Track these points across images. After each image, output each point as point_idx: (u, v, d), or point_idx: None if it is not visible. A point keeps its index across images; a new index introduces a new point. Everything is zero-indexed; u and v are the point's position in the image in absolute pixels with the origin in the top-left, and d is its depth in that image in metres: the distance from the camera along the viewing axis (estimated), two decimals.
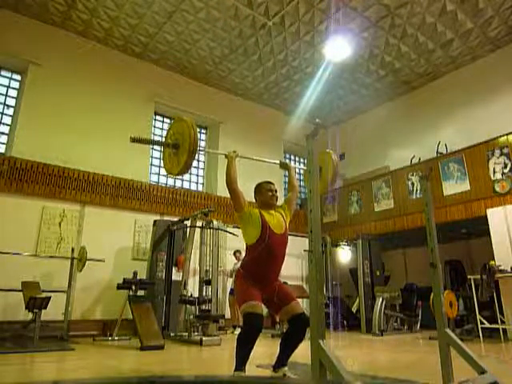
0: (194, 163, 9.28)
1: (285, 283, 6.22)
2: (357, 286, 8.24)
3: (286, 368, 2.92)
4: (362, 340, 6.57)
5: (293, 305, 2.89)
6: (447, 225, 7.37)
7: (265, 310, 2.95)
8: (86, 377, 3.34)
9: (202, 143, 9.61)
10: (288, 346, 2.91)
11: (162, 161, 3.00)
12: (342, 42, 7.46)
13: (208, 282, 6.26)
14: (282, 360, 2.93)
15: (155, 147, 8.65)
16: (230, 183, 2.99)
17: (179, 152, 2.62)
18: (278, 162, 3.36)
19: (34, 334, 4.81)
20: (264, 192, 3.13)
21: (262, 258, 2.88)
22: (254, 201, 3.19)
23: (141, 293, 6.01)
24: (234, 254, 7.59)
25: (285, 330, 6.26)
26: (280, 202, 3.26)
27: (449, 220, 7.38)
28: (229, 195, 3.04)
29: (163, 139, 2.90)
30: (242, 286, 2.92)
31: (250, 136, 9.66)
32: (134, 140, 2.72)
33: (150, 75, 8.49)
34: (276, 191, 3.17)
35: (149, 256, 6.92)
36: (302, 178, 9.27)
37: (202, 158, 9.48)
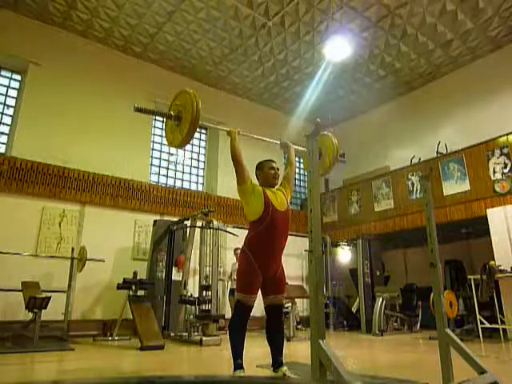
0: (194, 163, 9.29)
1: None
2: (357, 286, 8.24)
3: (285, 368, 2.92)
4: (362, 340, 6.57)
5: (277, 297, 3.00)
6: (447, 225, 7.37)
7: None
8: (86, 377, 3.34)
9: (202, 143, 9.62)
10: (270, 339, 3.01)
11: (164, 132, 3.00)
12: (342, 42, 7.43)
13: (207, 288, 6.25)
14: (275, 356, 2.96)
15: (155, 148, 8.67)
16: (236, 156, 3.00)
17: (181, 123, 2.64)
18: (278, 141, 3.32)
19: (34, 334, 4.81)
20: (266, 171, 3.15)
21: (266, 234, 2.89)
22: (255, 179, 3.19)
23: (141, 293, 6.01)
24: (234, 251, 7.58)
25: (286, 332, 6.28)
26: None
27: (449, 220, 7.39)
28: (234, 169, 3.02)
29: (168, 110, 2.84)
30: (244, 272, 2.94)
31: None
32: (137, 109, 2.78)
33: (150, 75, 8.49)
34: (278, 169, 3.20)
35: (149, 256, 6.92)
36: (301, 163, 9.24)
37: (202, 158, 9.48)
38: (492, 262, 6.25)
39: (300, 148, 3.39)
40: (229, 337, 2.95)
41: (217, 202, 8.52)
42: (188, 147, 9.32)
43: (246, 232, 3.04)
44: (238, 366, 2.83)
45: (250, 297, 2.88)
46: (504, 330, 6.07)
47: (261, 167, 3.19)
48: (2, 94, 7.11)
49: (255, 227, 2.92)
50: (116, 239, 7.10)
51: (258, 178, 3.18)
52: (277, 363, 2.94)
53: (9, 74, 7.28)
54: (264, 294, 3.02)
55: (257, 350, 4.54)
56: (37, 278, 5.88)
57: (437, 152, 8.27)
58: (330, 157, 3.28)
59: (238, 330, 2.92)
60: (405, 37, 7.65)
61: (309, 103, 9.89)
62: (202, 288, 6.30)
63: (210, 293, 6.24)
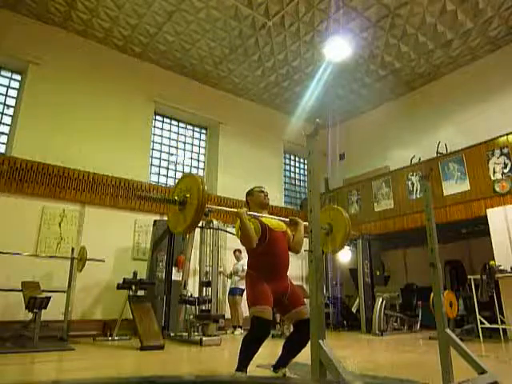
0: (194, 163, 9.29)
1: None
2: (357, 286, 8.24)
3: (286, 369, 2.92)
4: (362, 340, 6.57)
5: (301, 309, 2.89)
6: (447, 225, 7.37)
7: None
8: (86, 377, 3.33)
9: (202, 143, 9.62)
10: (291, 349, 2.91)
11: (167, 217, 2.80)
12: (342, 42, 7.46)
13: (207, 284, 6.25)
14: (283, 361, 2.94)
15: (155, 148, 8.67)
16: (250, 244, 2.87)
17: (186, 209, 2.46)
18: (287, 219, 3.16)
19: (34, 334, 4.81)
20: (256, 194, 3.20)
21: (267, 252, 2.90)
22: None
23: (141, 293, 6.00)
24: (234, 252, 7.58)
25: (287, 332, 6.27)
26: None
27: (449, 220, 7.39)
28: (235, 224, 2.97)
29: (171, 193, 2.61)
30: (253, 287, 2.89)
31: (250, 136, 9.67)
32: (139, 197, 2.67)
33: (150, 75, 8.49)
34: (267, 194, 3.22)
35: (149, 256, 6.92)
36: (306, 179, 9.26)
37: (202, 158, 9.48)
38: (492, 262, 6.26)
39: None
40: (241, 346, 2.78)
41: (217, 202, 8.51)
42: (188, 147, 9.32)
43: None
44: (241, 368, 2.77)
45: (263, 308, 2.73)
46: (504, 330, 6.08)
47: (251, 193, 3.24)
48: (2, 94, 7.11)
49: (256, 249, 2.91)
50: (116, 239, 7.10)
51: (248, 205, 3.22)
52: (280, 364, 2.93)
53: (9, 74, 7.27)
54: (285, 313, 2.96)
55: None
56: (37, 278, 5.88)
57: (437, 152, 8.27)
58: (342, 234, 3.03)
59: (249, 346, 2.75)
60: (405, 37, 7.65)
61: (309, 103, 9.89)
62: (203, 285, 6.30)
63: (210, 289, 6.24)
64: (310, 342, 1.99)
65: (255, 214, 3.01)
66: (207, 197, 2.38)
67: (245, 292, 3.04)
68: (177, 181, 2.68)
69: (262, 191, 3.21)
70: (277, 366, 2.94)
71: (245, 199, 3.29)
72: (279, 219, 3.10)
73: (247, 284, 2.98)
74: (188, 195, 2.45)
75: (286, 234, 3.08)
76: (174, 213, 2.56)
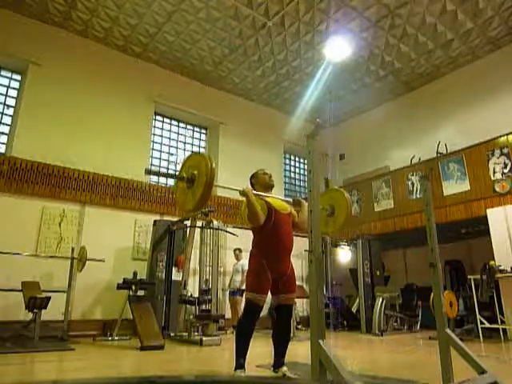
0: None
1: None
2: (357, 286, 8.24)
3: (285, 368, 2.93)
4: (362, 340, 6.57)
5: (291, 296, 3.04)
6: (447, 225, 7.36)
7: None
8: (86, 377, 3.34)
9: (202, 143, 9.62)
10: (277, 339, 3.02)
11: (175, 194, 2.85)
12: (342, 42, 7.46)
13: (206, 292, 6.24)
14: (278, 358, 2.98)
15: (155, 148, 8.67)
16: (257, 221, 2.95)
17: (194, 186, 2.49)
18: (291, 200, 3.25)
19: (34, 334, 4.82)
20: (260, 176, 3.25)
21: (271, 233, 2.96)
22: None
23: (141, 293, 6.01)
24: (234, 251, 7.58)
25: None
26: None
27: (449, 220, 7.38)
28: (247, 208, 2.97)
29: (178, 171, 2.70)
30: (256, 272, 2.96)
31: (250, 136, 9.67)
32: (148, 172, 2.77)
33: (150, 75, 8.49)
34: (271, 175, 3.26)
35: (149, 256, 6.92)
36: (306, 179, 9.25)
37: None
38: (492, 262, 6.25)
39: None
40: (235, 335, 2.98)
41: (217, 202, 8.51)
42: (188, 147, 9.32)
43: (251, 235, 3.11)
44: (240, 365, 2.84)
45: (261, 296, 2.90)
46: (504, 330, 6.07)
47: (255, 175, 3.28)
48: (2, 94, 7.11)
49: (260, 231, 2.99)
50: (116, 239, 7.10)
51: (253, 187, 3.23)
52: (279, 364, 2.95)
53: (9, 74, 7.27)
54: (274, 293, 3.04)
55: (257, 349, 4.53)
56: (37, 278, 5.89)
57: (437, 152, 8.27)
58: (343, 215, 3.20)
59: (246, 330, 2.94)
60: (405, 37, 7.65)
61: (309, 103, 9.89)
62: (202, 292, 6.31)
63: (210, 291, 6.24)
64: (310, 342, 1.99)
65: (261, 193, 3.04)
66: (215, 173, 2.42)
67: (246, 270, 3.13)
68: (183, 160, 2.70)
69: (266, 173, 3.25)
70: (275, 365, 2.96)
71: (249, 182, 3.28)
72: (283, 200, 3.16)
73: (250, 265, 3.05)
74: (196, 172, 2.48)
75: (291, 214, 3.14)
76: (182, 191, 2.60)
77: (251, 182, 3.28)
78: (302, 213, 3.18)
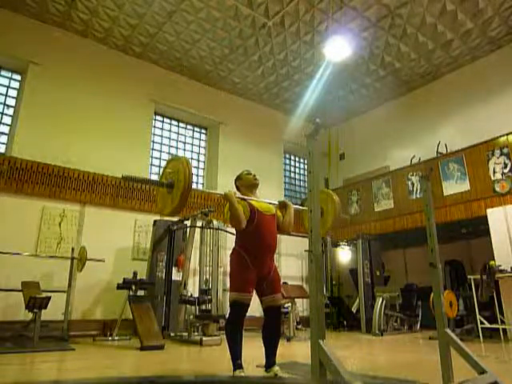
0: (195, 163, 9.28)
1: (285, 283, 6.25)
2: (357, 286, 8.24)
3: (276, 368, 2.91)
4: (362, 340, 6.57)
5: (274, 297, 3.02)
6: (447, 225, 7.37)
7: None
8: (86, 377, 3.33)
9: (202, 143, 9.62)
10: (266, 339, 3.01)
11: (156, 198, 2.91)
12: (342, 42, 7.44)
13: (206, 292, 6.24)
14: (269, 358, 2.96)
15: (155, 148, 8.67)
16: (239, 225, 2.94)
17: (173, 192, 2.52)
18: (276, 202, 3.23)
19: (34, 334, 4.81)
20: (245, 177, 3.26)
21: (254, 232, 2.96)
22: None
23: (141, 293, 6.01)
24: None
25: (287, 332, 6.26)
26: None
27: (449, 220, 7.39)
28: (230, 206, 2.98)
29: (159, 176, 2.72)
30: (239, 271, 2.97)
31: (250, 136, 9.67)
32: (125, 179, 2.57)
33: (150, 75, 8.49)
34: (255, 175, 3.26)
35: (149, 256, 6.92)
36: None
37: (202, 158, 9.48)
38: (492, 262, 6.25)
39: (300, 208, 3.37)
40: (226, 338, 2.99)
41: (217, 201, 8.51)
42: (188, 147, 9.32)
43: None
44: (238, 366, 2.84)
45: (246, 295, 2.90)
46: (504, 330, 6.07)
47: (240, 177, 3.29)
48: (2, 94, 7.11)
49: (244, 230, 2.98)
50: (116, 239, 7.10)
51: (238, 189, 3.25)
52: (270, 364, 2.94)
53: (9, 74, 7.27)
54: (262, 296, 3.05)
55: (256, 350, 4.52)
56: (37, 278, 5.88)
57: (437, 152, 8.27)
58: (332, 217, 3.24)
59: (235, 330, 2.95)
60: (405, 37, 7.65)
61: (309, 103, 9.89)
62: (202, 292, 6.31)
63: (210, 291, 6.24)
64: (310, 342, 1.99)
65: (244, 197, 3.06)
66: (192, 176, 2.45)
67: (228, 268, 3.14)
68: (164, 165, 2.72)
69: (250, 173, 3.27)
70: (267, 366, 2.95)
71: (234, 185, 3.30)
72: (269, 202, 3.15)
73: (233, 264, 3.04)
74: (175, 177, 2.50)
75: (275, 216, 3.14)
76: (163, 196, 2.63)
77: (236, 185, 3.29)
78: (287, 214, 3.18)
